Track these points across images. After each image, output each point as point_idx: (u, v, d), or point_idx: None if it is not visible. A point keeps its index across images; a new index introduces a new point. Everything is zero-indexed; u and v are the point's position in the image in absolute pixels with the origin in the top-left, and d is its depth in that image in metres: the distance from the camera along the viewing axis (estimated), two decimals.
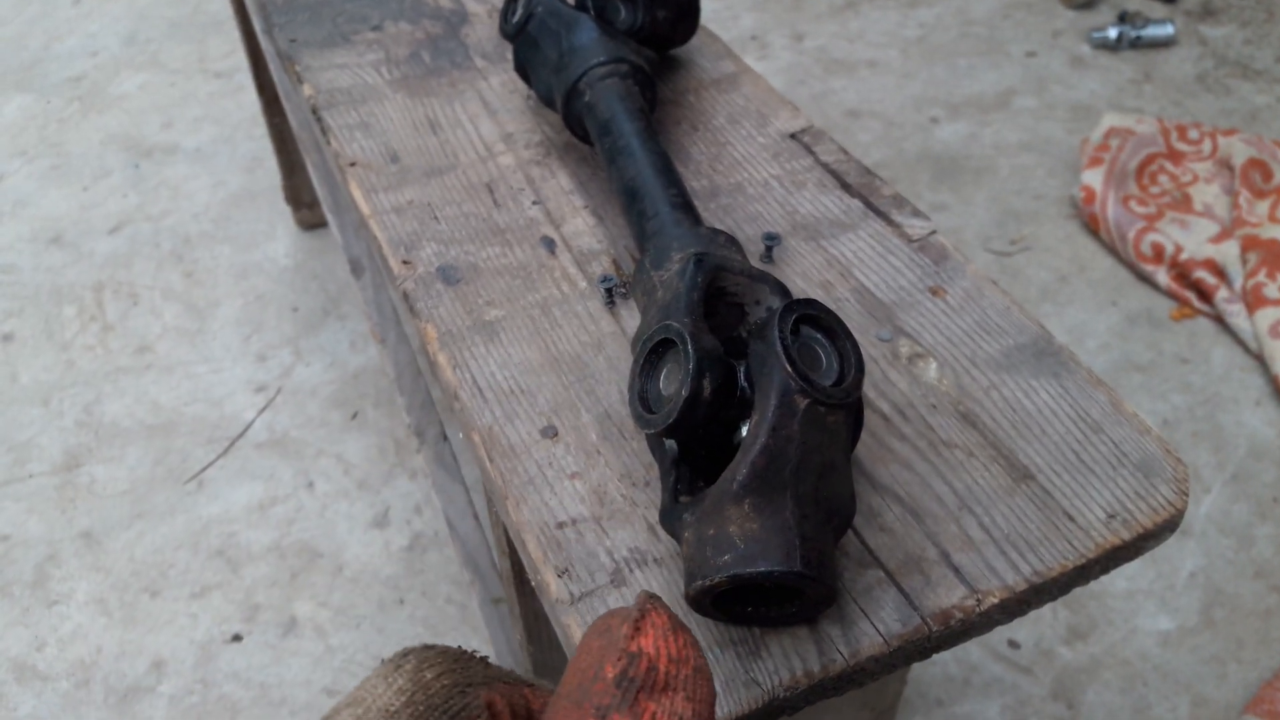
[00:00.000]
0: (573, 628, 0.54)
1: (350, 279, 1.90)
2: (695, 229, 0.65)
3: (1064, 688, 1.30)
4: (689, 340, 0.52)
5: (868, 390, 0.65)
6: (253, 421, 1.66)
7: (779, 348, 0.50)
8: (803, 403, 0.49)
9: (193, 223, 2.08)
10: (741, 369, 0.54)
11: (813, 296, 0.71)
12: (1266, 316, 1.64)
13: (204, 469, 1.60)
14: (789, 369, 0.49)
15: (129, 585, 1.45)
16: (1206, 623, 1.35)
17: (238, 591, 1.43)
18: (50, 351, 1.81)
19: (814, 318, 0.53)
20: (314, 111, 0.97)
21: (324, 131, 0.94)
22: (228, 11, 2.69)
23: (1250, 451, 1.53)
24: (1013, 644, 1.34)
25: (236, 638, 1.38)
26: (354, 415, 1.66)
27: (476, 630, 1.36)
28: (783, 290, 0.60)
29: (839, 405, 0.50)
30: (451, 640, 1.36)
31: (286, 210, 2.04)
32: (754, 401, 0.51)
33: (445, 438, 1.17)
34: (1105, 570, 0.57)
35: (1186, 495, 0.59)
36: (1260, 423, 1.56)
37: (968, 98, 2.26)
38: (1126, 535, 0.57)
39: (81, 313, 1.88)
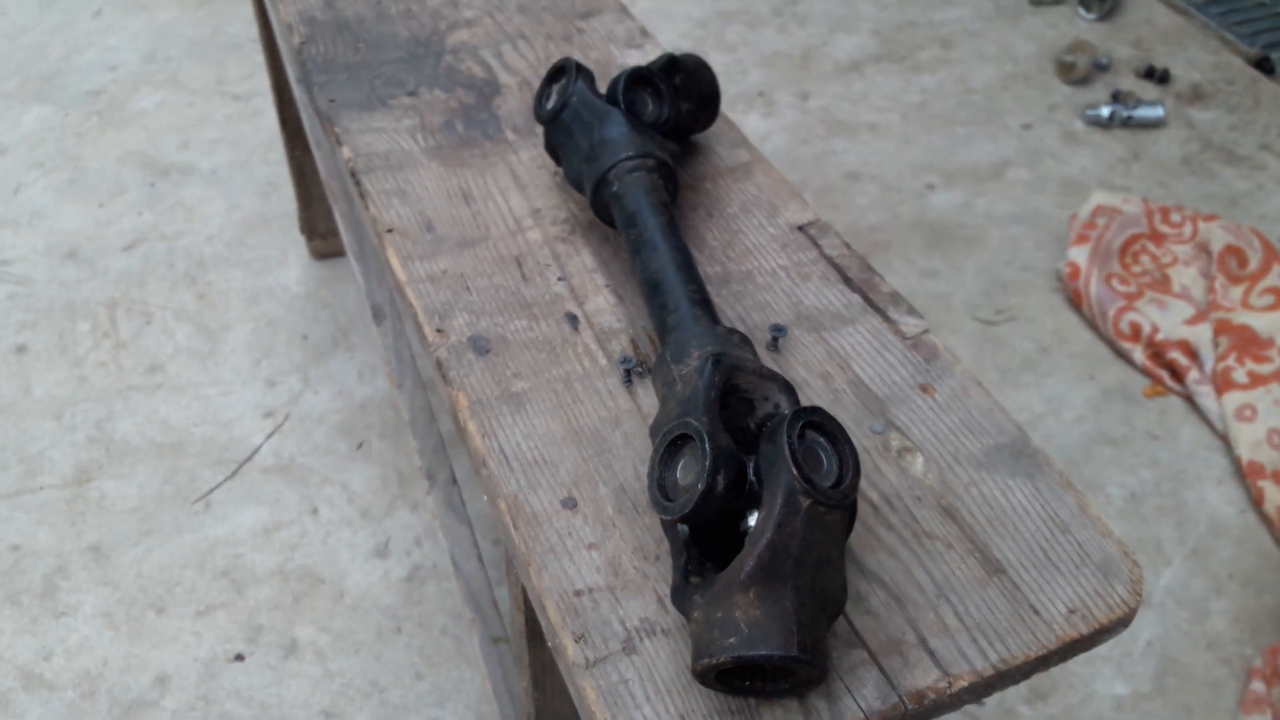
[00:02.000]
0: (587, 690, 0.60)
1: (359, 310, 1.96)
2: (713, 328, 0.72)
3: None
4: (707, 439, 0.59)
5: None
6: (260, 446, 1.72)
7: (786, 453, 0.57)
8: (805, 503, 0.56)
9: (207, 245, 2.14)
10: (751, 464, 0.61)
11: (815, 388, 0.78)
12: (1233, 400, 1.72)
13: (212, 490, 1.65)
14: (795, 472, 0.56)
15: (136, 600, 1.50)
16: (1159, 690, 1.42)
17: (241, 612, 1.49)
18: (63, 366, 1.86)
19: (818, 424, 0.60)
20: (353, 175, 1.03)
21: (362, 196, 1.01)
22: (247, 34, 2.76)
23: (1210, 528, 1.60)
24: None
25: (239, 657, 1.43)
26: (359, 445, 1.72)
27: (471, 662, 1.42)
28: (789, 389, 0.67)
29: (837, 506, 0.57)
30: (446, 674, 1.42)
31: (299, 237, 2.10)
32: (762, 497, 0.58)
33: (454, 481, 1.23)
34: (1063, 660, 0.64)
35: (1140, 595, 0.66)
36: (1221, 501, 1.64)
37: (964, 166, 2.35)
38: (1084, 629, 0.63)
39: (95, 329, 1.94)
